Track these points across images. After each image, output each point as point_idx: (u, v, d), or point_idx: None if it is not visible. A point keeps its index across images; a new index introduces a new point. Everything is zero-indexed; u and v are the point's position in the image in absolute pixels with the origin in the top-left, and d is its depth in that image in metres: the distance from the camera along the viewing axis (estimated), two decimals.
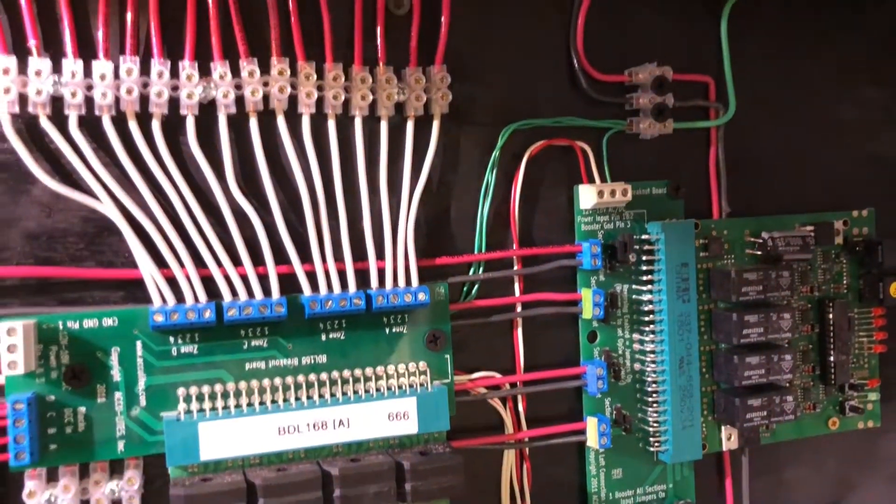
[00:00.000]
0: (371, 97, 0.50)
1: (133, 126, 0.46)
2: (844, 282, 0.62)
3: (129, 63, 0.45)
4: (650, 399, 0.56)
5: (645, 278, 0.56)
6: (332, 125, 0.49)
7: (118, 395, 0.46)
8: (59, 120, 0.45)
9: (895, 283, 0.61)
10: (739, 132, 0.60)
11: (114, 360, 0.46)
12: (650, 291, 0.55)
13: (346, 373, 0.49)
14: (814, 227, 0.60)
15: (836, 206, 0.62)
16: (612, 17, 0.57)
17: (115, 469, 0.47)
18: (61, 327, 0.45)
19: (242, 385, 0.47)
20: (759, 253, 0.58)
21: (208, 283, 0.47)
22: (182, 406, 0.46)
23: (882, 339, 0.62)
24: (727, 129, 0.59)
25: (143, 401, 0.46)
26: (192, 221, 0.47)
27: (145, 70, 0.46)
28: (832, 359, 0.60)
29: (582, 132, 0.56)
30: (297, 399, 0.48)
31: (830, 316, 0.60)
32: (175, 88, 0.47)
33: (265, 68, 0.48)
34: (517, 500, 0.55)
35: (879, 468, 0.66)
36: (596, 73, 0.56)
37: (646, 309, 0.56)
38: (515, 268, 0.54)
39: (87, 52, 0.45)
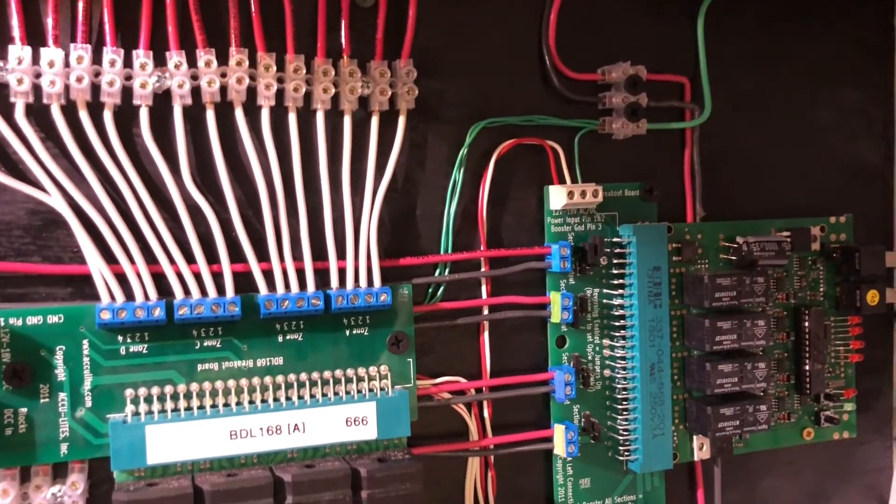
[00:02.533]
0: (334, 90, 0.48)
1: (83, 116, 0.44)
2: (821, 289, 0.60)
3: (80, 51, 0.44)
4: (620, 406, 0.54)
5: (616, 282, 0.54)
6: (292, 119, 0.48)
7: (62, 395, 0.44)
8: (5, 108, 0.43)
9: (872, 291, 0.60)
10: (715, 134, 0.59)
11: (58, 358, 0.44)
12: (621, 296, 0.54)
13: (304, 376, 0.48)
14: (790, 232, 0.58)
15: (813, 211, 0.61)
16: (586, 14, 0.55)
17: (59, 473, 0.45)
18: (2, 324, 0.43)
19: (194, 387, 0.46)
20: (733, 258, 0.57)
21: (160, 280, 0.46)
22: (129, 408, 0.45)
23: (859, 349, 0.61)
24: (702, 131, 0.58)
25: (88, 402, 0.45)
26: (143, 216, 0.45)
27: (97, 59, 0.44)
28: (807, 368, 0.59)
29: (553, 131, 0.54)
30: (250, 402, 0.46)
31: (806, 324, 0.59)
32: (128, 78, 0.45)
33: (223, 59, 0.46)
34: None
35: (855, 480, 0.65)
36: (568, 70, 0.54)
37: (616, 314, 0.54)
38: (483, 269, 0.53)
39: (35, 38, 0.44)
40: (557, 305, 0.53)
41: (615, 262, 0.54)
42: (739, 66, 0.60)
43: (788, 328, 0.60)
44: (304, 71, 0.47)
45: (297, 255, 0.48)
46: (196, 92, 0.46)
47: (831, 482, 0.64)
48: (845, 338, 0.61)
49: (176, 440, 0.44)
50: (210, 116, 0.46)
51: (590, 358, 0.55)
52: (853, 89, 0.63)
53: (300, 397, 0.47)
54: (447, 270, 0.52)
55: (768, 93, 0.61)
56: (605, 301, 0.55)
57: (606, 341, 0.55)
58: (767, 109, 0.61)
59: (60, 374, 0.44)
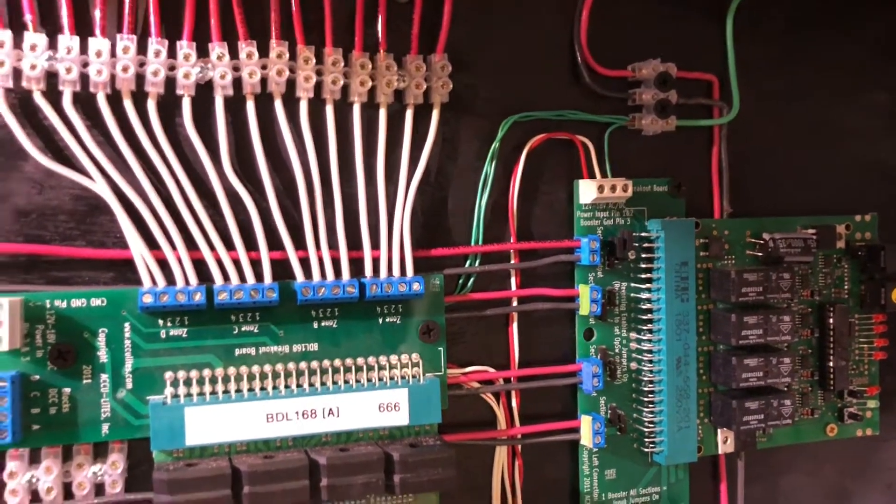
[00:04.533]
0: (370, 83, 0.49)
1: (128, 105, 0.45)
2: (846, 287, 0.61)
3: (126, 41, 0.45)
4: (646, 399, 0.55)
5: (644, 276, 0.55)
6: (329, 111, 0.49)
7: (104, 376, 0.45)
8: (54, 96, 0.44)
9: None
10: (743, 132, 0.59)
11: (101, 340, 0.45)
12: (649, 290, 0.55)
13: (338, 362, 0.48)
14: (816, 229, 0.59)
15: (838, 209, 0.61)
16: (617, 11, 0.56)
17: (99, 452, 0.46)
18: (48, 306, 0.44)
19: (231, 370, 0.47)
20: (759, 254, 0.58)
21: (200, 266, 0.47)
22: (169, 390, 0.46)
23: (882, 346, 0.62)
24: (730, 129, 0.59)
25: (129, 383, 0.46)
26: (185, 203, 0.46)
27: (142, 49, 0.45)
28: (831, 364, 0.59)
29: (583, 126, 0.55)
30: (286, 386, 0.47)
31: (831, 321, 0.59)
32: (172, 68, 0.46)
33: (264, 51, 0.47)
34: (508, 498, 0.54)
35: (877, 477, 0.65)
36: (599, 67, 0.55)
37: (644, 307, 0.55)
38: (512, 261, 0.54)
39: (83, 28, 0.45)
40: (586, 298, 0.54)
41: (643, 256, 0.55)
42: (768, 64, 0.61)
43: (813, 325, 0.60)
44: (342, 64, 0.49)
45: (333, 244, 0.49)
46: (237, 83, 0.47)
47: (853, 479, 0.65)
48: (869, 335, 0.61)
49: (214, 422, 0.45)
50: (250, 107, 0.47)
51: (617, 350, 0.55)
52: (880, 91, 0.64)
53: (334, 383, 0.48)
54: (478, 262, 0.53)
55: (796, 92, 0.62)
56: (632, 295, 0.55)
57: (633, 334, 0.56)
58: (795, 108, 0.62)
59: (103, 355, 0.45)
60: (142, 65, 0.45)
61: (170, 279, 0.46)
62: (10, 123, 0.44)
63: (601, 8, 0.55)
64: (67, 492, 0.45)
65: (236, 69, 0.47)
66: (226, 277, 0.47)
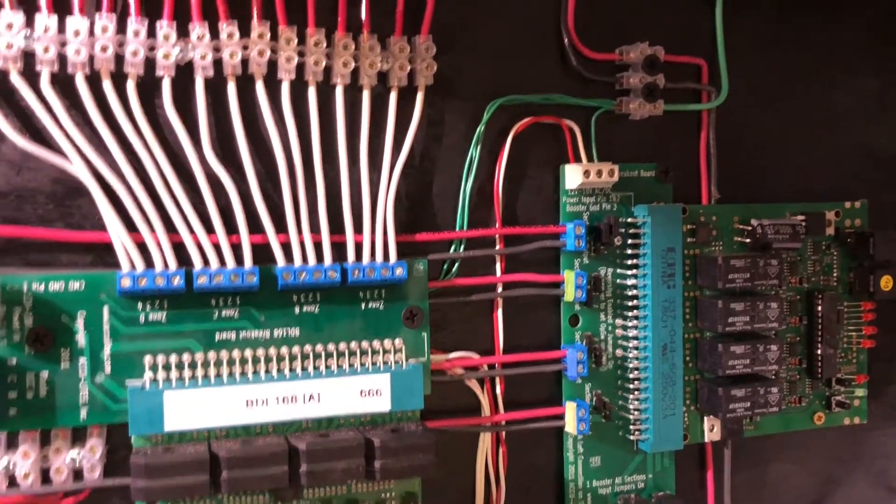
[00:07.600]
0: (353, 65, 0.48)
1: (107, 85, 0.45)
2: (834, 274, 0.61)
3: (105, 20, 0.44)
4: (631, 386, 0.54)
5: (630, 262, 0.54)
6: (312, 92, 0.48)
7: (82, 360, 0.45)
8: (31, 76, 0.44)
9: (886, 277, 0.60)
10: (731, 117, 0.59)
11: (79, 324, 0.45)
12: (635, 276, 0.54)
13: (319, 347, 0.48)
14: (805, 216, 0.58)
15: (828, 196, 0.61)
16: None
17: (78, 437, 0.46)
18: (26, 289, 0.44)
19: (211, 355, 0.46)
20: (747, 241, 0.57)
21: (179, 249, 0.46)
22: (148, 374, 0.45)
23: (871, 334, 0.61)
24: (719, 113, 0.58)
25: (108, 367, 0.45)
26: (164, 186, 0.46)
27: (122, 28, 0.45)
28: (819, 352, 0.59)
29: (570, 110, 0.55)
30: (266, 372, 0.47)
31: (819, 308, 0.59)
32: (151, 48, 0.45)
33: (245, 31, 0.47)
34: (492, 485, 0.54)
35: (865, 466, 0.65)
36: (586, 50, 0.55)
37: (630, 293, 0.54)
38: (497, 247, 0.53)
39: (61, 7, 0.44)
40: (571, 284, 0.53)
41: (630, 242, 0.54)
42: (757, 48, 0.60)
43: (801, 312, 0.60)
44: (325, 45, 0.48)
45: (315, 228, 0.48)
46: (218, 64, 0.46)
47: (841, 467, 0.64)
48: (858, 323, 0.61)
49: (193, 407, 0.45)
50: (231, 89, 0.47)
51: (602, 337, 0.55)
52: (871, 74, 0.63)
53: (315, 368, 0.48)
54: (462, 247, 0.53)
55: (785, 76, 0.61)
56: (618, 281, 0.55)
57: (619, 321, 0.55)
58: (784, 93, 0.61)
59: (81, 339, 0.45)
60: (121, 45, 0.45)
61: (149, 262, 0.46)
62: None
63: None
64: (45, 477, 0.45)
65: (217, 50, 0.46)
66: (206, 261, 0.46)
